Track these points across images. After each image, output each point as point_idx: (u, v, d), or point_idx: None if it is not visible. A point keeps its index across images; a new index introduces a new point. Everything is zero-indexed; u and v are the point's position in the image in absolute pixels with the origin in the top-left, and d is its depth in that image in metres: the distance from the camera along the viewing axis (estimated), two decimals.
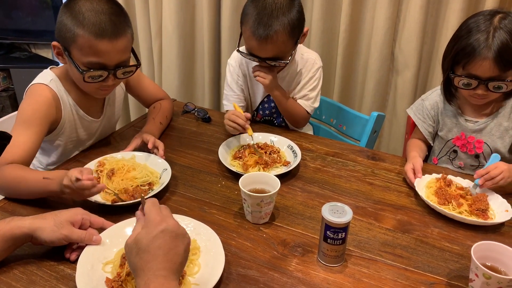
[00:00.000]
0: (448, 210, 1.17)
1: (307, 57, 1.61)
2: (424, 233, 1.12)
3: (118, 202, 1.14)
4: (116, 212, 1.13)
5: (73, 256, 0.97)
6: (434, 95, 1.49)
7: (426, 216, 1.19)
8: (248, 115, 1.45)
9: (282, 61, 1.46)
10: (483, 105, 1.39)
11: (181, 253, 0.79)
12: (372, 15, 2.02)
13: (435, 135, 1.52)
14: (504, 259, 0.93)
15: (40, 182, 1.12)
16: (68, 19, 1.18)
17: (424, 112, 1.49)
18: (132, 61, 1.34)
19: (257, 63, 1.50)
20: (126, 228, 1.03)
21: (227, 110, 1.62)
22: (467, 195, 1.23)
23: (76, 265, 0.93)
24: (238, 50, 1.49)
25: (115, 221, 1.06)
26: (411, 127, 1.61)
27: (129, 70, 1.29)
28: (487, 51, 1.22)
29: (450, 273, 1.00)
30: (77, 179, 1.03)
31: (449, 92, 1.43)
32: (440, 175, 1.30)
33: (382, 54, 2.03)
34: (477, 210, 1.17)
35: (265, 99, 1.66)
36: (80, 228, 0.98)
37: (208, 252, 0.98)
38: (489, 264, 0.93)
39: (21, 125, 1.24)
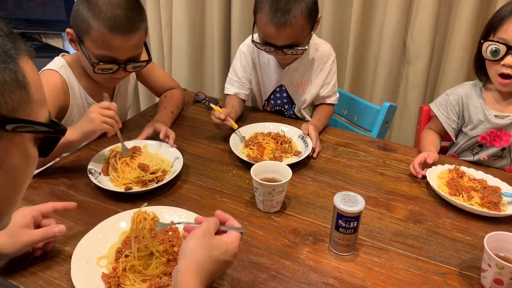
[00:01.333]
0: (459, 200, 1.16)
1: (321, 48, 1.59)
2: (435, 223, 1.12)
3: (131, 189, 1.15)
4: (128, 199, 1.14)
5: (38, 252, 0.93)
6: (459, 90, 1.46)
7: (437, 206, 1.18)
8: (224, 114, 1.38)
9: (300, 48, 1.43)
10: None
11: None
12: (384, 5, 2.00)
13: (458, 131, 1.48)
14: None
15: None
16: (84, 10, 1.19)
17: (448, 108, 1.46)
18: (144, 54, 1.34)
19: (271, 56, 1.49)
20: (120, 222, 1.03)
21: (227, 94, 1.65)
22: (479, 187, 1.22)
23: (70, 260, 0.91)
24: (253, 41, 1.46)
25: (128, 208, 1.07)
26: (424, 120, 1.60)
27: (139, 65, 1.30)
28: None
29: (462, 263, 1.00)
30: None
31: (480, 69, 1.39)
32: (453, 166, 1.30)
33: (393, 44, 2.01)
34: (489, 203, 1.16)
35: (277, 89, 1.64)
36: (36, 226, 0.93)
37: None
38: (502, 255, 0.93)
39: None
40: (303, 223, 1.11)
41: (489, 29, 1.32)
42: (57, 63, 1.33)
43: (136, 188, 1.17)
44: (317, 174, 1.31)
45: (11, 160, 0.54)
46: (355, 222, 0.97)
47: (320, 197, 1.21)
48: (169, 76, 1.69)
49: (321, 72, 1.60)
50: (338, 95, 1.66)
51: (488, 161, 1.43)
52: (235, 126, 1.42)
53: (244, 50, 1.62)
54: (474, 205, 1.16)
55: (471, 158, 1.45)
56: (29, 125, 0.54)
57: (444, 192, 1.20)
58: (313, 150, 1.38)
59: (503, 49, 1.26)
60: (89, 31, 1.19)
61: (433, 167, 1.30)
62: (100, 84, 1.36)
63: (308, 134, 1.42)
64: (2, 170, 0.53)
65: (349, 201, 0.98)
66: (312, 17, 1.40)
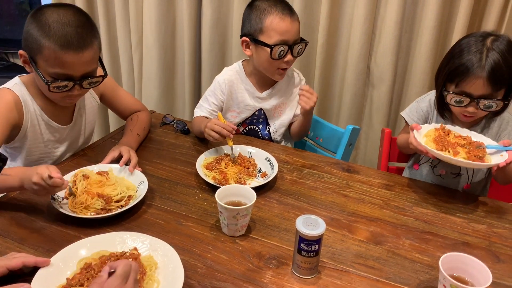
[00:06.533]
0: (445, 154, 1.24)
1: (294, 73, 1.75)
2: (396, 244, 1.15)
3: (97, 215, 1.14)
4: (91, 225, 1.13)
5: None
6: (429, 97, 1.52)
7: (398, 228, 1.22)
8: (233, 125, 1.47)
9: (304, 42, 1.58)
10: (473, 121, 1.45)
11: None
12: (349, 30, 2.07)
13: None
14: (471, 270, 0.96)
15: None
16: (34, 30, 1.19)
17: (419, 114, 1.52)
18: (100, 70, 1.36)
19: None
20: (80, 250, 1.01)
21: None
22: (464, 143, 1.30)
23: None
24: (271, 46, 1.51)
25: (91, 234, 1.06)
26: (386, 142, 1.65)
27: (95, 81, 1.31)
28: (481, 70, 1.28)
29: (420, 284, 1.02)
30: (50, 177, 1.06)
31: (442, 107, 1.46)
32: (439, 125, 1.37)
33: (358, 68, 2.08)
34: (474, 157, 1.24)
35: (256, 112, 1.71)
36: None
37: (166, 267, 0.98)
38: (457, 275, 0.96)
39: None
40: (268, 246, 1.12)
41: (453, 76, 1.34)
42: (12, 82, 1.34)
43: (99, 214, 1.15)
44: (282, 197, 1.33)
45: None
46: (317, 245, 0.99)
47: (284, 219, 1.22)
48: (134, 98, 1.69)
49: (295, 95, 1.73)
50: None
51: (447, 179, 1.49)
52: (231, 143, 1.46)
53: (221, 80, 1.68)
54: (459, 158, 1.23)
55: (431, 174, 1.51)
56: None
57: (431, 148, 1.27)
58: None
59: (466, 100, 1.33)
60: (41, 50, 1.19)
61: (419, 126, 1.36)
62: (57, 104, 1.35)
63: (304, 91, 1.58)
64: None
65: (311, 224, 1.00)
66: None
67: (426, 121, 1.52)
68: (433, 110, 1.51)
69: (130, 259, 0.96)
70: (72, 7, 1.26)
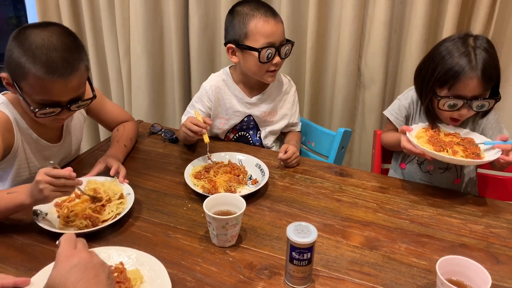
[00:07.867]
0: (446, 155, 1.26)
1: (283, 80, 1.72)
2: (391, 249, 1.12)
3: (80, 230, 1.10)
4: None
5: None
6: (411, 93, 1.50)
7: (393, 231, 1.18)
8: (208, 120, 1.43)
9: (290, 43, 1.57)
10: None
11: (103, 281, 0.74)
12: (338, 32, 2.04)
13: None
14: (468, 273, 0.93)
15: (6, 198, 1.09)
16: (18, 53, 1.12)
17: (401, 111, 1.50)
18: (89, 91, 1.30)
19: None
20: None
21: None
22: (458, 140, 1.33)
23: None
24: (258, 50, 1.48)
25: None
26: (378, 143, 1.62)
27: (84, 104, 1.26)
28: (473, 70, 1.26)
29: None
30: (54, 167, 1.04)
31: (432, 115, 1.42)
32: (426, 124, 1.39)
33: (348, 70, 2.05)
34: (472, 154, 1.26)
35: (245, 119, 1.67)
36: None
37: (153, 282, 0.95)
38: (455, 279, 0.93)
39: None
40: (259, 256, 1.08)
41: (443, 81, 1.31)
42: None
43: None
44: (274, 204, 1.29)
45: None
46: (309, 254, 0.96)
47: (276, 227, 1.19)
48: (121, 109, 1.65)
49: (285, 102, 1.71)
50: (300, 123, 1.76)
51: (436, 174, 1.46)
52: (207, 140, 1.43)
53: (207, 87, 1.65)
54: (460, 158, 1.26)
55: (418, 171, 1.49)
56: None
57: (429, 149, 1.27)
58: (286, 152, 1.47)
59: (460, 102, 1.31)
60: (26, 77, 1.12)
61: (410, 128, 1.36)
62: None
63: (286, 151, 1.47)
64: None
65: (302, 232, 0.96)
66: None
67: (408, 118, 1.51)
68: (415, 106, 1.49)
69: (116, 273, 0.93)
70: (57, 28, 1.18)
